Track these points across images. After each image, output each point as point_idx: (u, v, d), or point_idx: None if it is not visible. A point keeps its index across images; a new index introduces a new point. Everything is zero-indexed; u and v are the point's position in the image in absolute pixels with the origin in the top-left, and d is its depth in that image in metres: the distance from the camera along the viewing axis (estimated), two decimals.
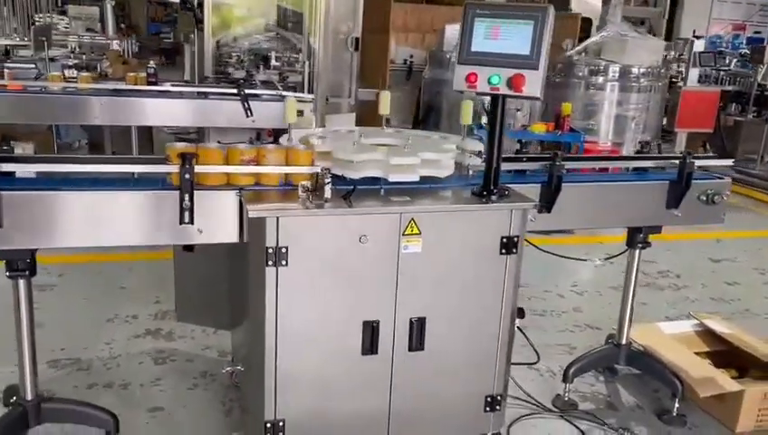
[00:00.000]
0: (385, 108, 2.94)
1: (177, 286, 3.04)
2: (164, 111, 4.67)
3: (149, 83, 4.83)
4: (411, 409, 2.42)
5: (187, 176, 2.13)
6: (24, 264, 2.18)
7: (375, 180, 2.32)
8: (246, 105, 4.66)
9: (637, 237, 2.89)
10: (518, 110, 5.87)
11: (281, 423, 2.28)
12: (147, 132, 6.88)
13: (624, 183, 2.76)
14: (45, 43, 6.47)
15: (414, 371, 2.38)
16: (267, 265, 2.12)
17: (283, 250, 2.12)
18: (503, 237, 2.33)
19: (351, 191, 2.23)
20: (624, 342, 3.05)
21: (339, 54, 6.42)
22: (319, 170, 2.21)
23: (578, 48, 7.20)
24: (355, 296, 2.25)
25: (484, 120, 5.93)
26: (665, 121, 8.19)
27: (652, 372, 3.01)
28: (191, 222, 2.22)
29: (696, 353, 3.15)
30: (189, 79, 6.74)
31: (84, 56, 7.36)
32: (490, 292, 2.39)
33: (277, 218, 2.10)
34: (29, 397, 2.34)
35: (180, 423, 2.76)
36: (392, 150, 2.47)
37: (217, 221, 2.24)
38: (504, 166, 2.60)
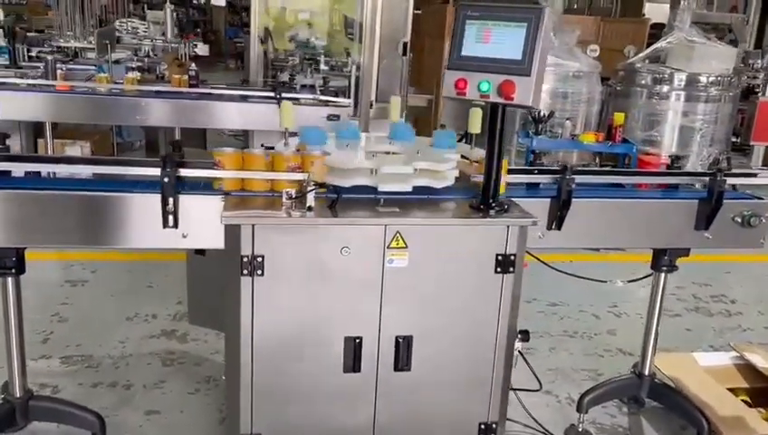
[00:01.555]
0: (395, 114, 2.84)
1: (189, 289, 3.02)
2: (204, 112, 4.73)
3: (191, 86, 4.90)
4: (398, 429, 2.30)
5: (166, 179, 2.09)
6: (10, 262, 2.19)
7: (371, 190, 2.22)
8: None
9: (662, 260, 2.66)
10: (567, 119, 5.61)
11: None
12: (201, 133, 7.02)
13: (644, 200, 2.54)
14: (108, 46, 6.70)
15: (400, 392, 2.25)
16: (242, 274, 2.05)
17: (259, 259, 2.04)
18: (498, 255, 2.18)
19: (336, 200, 2.13)
20: (647, 372, 2.81)
21: (390, 60, 6.36)
22: (304, 177, 2.14)
23: (641, 55, 6.84)
24: (336, 310, 2.15)
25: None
26: (738, 134, 7.69)
27: (675, 407, 2.76)
28: (175, 226, 2.19)
29: (732, 389, 2.87)
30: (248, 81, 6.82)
31: (147, 59, 7.59)
32: (484, 312, 2.23)
33: (252, 226, 2.02)
34: (17, 394, 2.36)
35: (172, 428, 2.73)
36: (386, 159, 2.35)
37: (201, 226, 2.19)
38: (512, 179, 2.46)
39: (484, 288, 2.20)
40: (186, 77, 4.91)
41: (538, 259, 2.60)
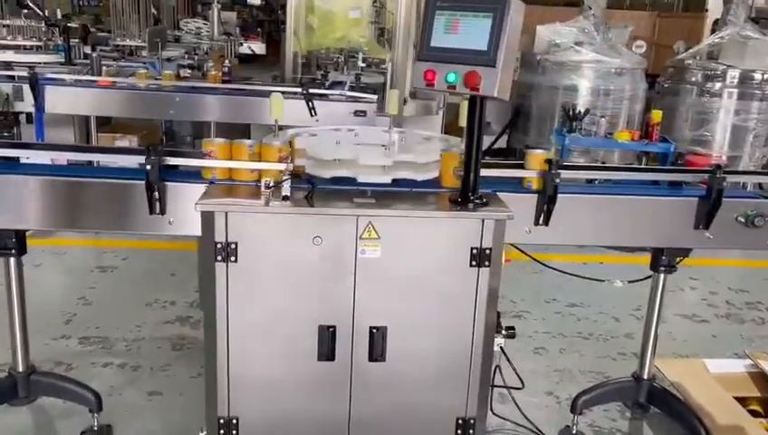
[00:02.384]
0: (393, 107, 2.84)
1: (200, 275, 3.12)
2: (233, 107, 4.86)
3: (224, 81, 5.05)
4: (373, 419, 2.31)
5: (149, 166, 2.17)
6: (10, 243, 2.33)
7: (351, 181, 2.25)
8: (311, 105, 4.72)
9: (660, 260, 2.56)
10: (602, 116, 5.45)
11: (234, 421, 2.26)
12: (245, 127, 7.21)
13: (639, 197, 2.45)
14: (159, 45, 6.96)
15: (375, 382, 2.26)
16: (216, 260, 2.11)
17: (233, 246, 2.09)
18: (473, 248, 2.16)
19: (312, 190, 2.17)
20: (646, 376, 2.71)
21: None
22: (282, 168, 2.18)
23: (691, 51, 6.56)
24: (310, 299, 2.18)
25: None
26: None
27: (673, 413, 2.66)
28: (161, 212, 2.27)
29: (742, 398, 2.74)
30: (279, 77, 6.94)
31: (197, 57, 7.84)
32: (460, 306, 2.21)
33: (226, 213, 2.08)
34: (20, 368, 2.50)
35: (169, 409, 2.83)
36: (366, 151, 2.37)
37: (186, 213, 2.27)
38: (496, 173, 2.43)
39: (460, 282, 2.18)
40: (219, 73, 5.07)
41: (532, 258, 2.56)
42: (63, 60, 6.13)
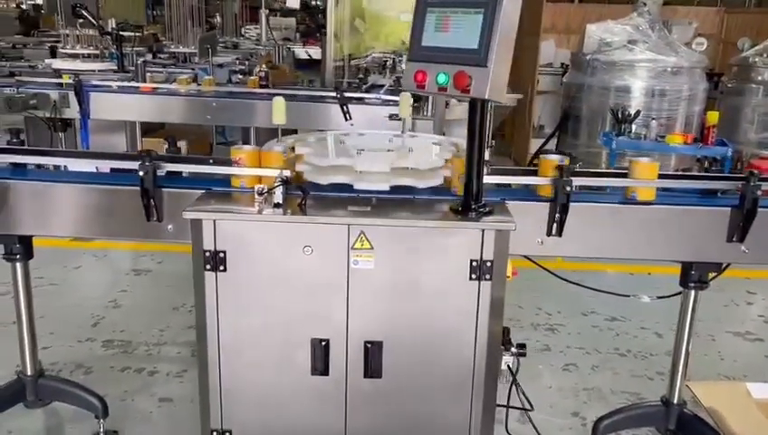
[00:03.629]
0: (405, 111, 2.73)
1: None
2: (266, 111, 4.85)
3: (261, 87, 5.06)
4: None
5: (141, 173, 2.14)
6: (15, 248, 2.35)
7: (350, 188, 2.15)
8: (345, 109, 4.66)
9: (689, 275, 2.35)
10: (653, 118, 5.15)
11: (227, 434, 2.20)
12: (292, 131, 7.23)
13: (663, 207, 2.25)
14: (209, 51, 7.07)
15: (372, 400, 2.15)
16: (205, 268, 2.05)
17: (221, 255, 2.04)
18: (472, 261, 2.02)
19: (305, 197, 2.08)
20: (675, 401, 2.49)
21: None
22: (275, 174, 2.11)
23: (757, 48, 6.15)
24: (301, 311, 2.09)
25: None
26: None
27: None
28: (158, 219, 2.25)
29: None
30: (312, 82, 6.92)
31: (247, 62, 7.94)
32: (460, 322, 2.08)
33: (214, 221, 2.02)
34: (28, 372, 2.53)
35: (178, 417, 2.80)
36: (365, 157, 2.26)
37: (186, 220, 2.22)
38: (504, 180, 2.29)
39: (459, 296, 2.05)
40: (257, 79, 5.09)
41: (545, 269, 2.40)
42: (116, 67, 6.31)
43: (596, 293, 2.81)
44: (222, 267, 2.04)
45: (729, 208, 2.21)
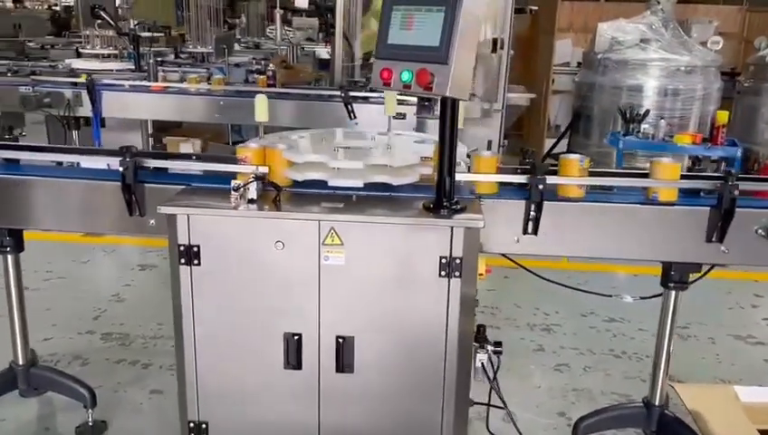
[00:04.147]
0: (391, 108, 2.75)
1: None
2: (275, 110, 4.90)
3: (269, 86, 5.12)
4: (344, 431, 2.22)
5: (122, 168, 2.20)
6: (6, 241, 2.42)
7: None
8: (349, 108, 4.70)
9: (669, 275, 2.32)
10: (662, 118, 5.08)
11: (204, 426, 2.24)
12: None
13: (641, 206, 2.22)
14: (225, 51, 7.18)
15: (345, 394, 2.17)
16: (180, 262, 2.10)
17: (195, 249, 2.08)
18: (441, 258, 2.03)
19: (278, 193, 2.12)
20: (657, 402, 2.46)
21: (482, 58, 6.17)
22: (248, 171, 2.15)
23: None
24: (275, 305, 2.12)
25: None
26: None
27: None
28: (140, 214, 2.30)
29: None
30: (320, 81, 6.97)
31: (264, 62, 8.02)
32: (430, 319, 2.09)
33: (188, 216, 2.06)
34: (20, 362, 2.60)
35: (167, 408, 2.86)
36: (341, 154, 2.29)
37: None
38: (478, 178, 2.29)
39: (429, 293, 2.06)
40: (265, 78, 5.15)
41: (523, 267, 2.40)
42: (133, 67, 6.44)
43: (615, 296, 2.80)
44: (196, 261, 2.08)
45: (708, 208, 2.18)
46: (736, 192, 2.09)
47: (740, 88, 6.15)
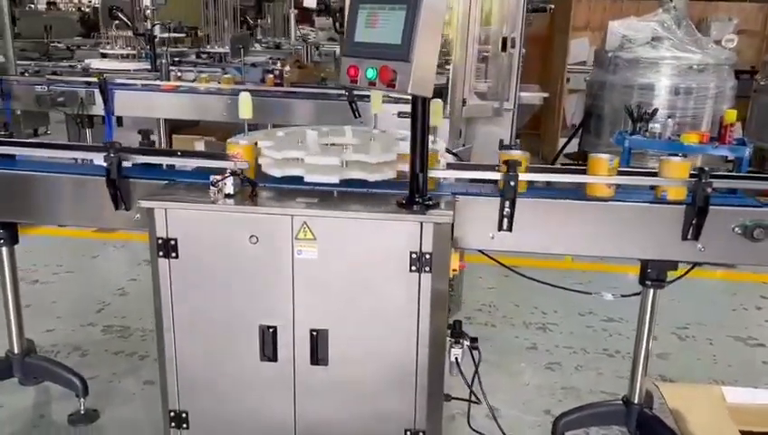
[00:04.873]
0: (376, 107, 2.78)
1: None
2: (282, 109, 4.98)
3: (275, 85, 5.19)
4: (320, 424, 2.26)
5: (106, 163, 2.26)
6: (1, 234, 2.51)
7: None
8: (354, 106, 4.74)
9: (645, 273, 2.32)
10: (669, 117, 5.02)
11: (184, 415, 2.30)
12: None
13: (614, 203, 2.22)
14: (241, 50, 7.28)
15: (320, 387, 2.21)
16: (159, 255, 2.16)
17: (173, 242, 2.13)
18: (412, 253, 2.06)
19: (254, 188, 2.17)
20: (636, 400, 2.45)
21: (498, 56, 6.17)
22: (226, 166, 2.21)
23: None
24: (250, 299, 2.17)
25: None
26: None
27: None
28: (126, 208, 2.37)
29: (753, 433, 2.41)
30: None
31: (279, 61, 8.11)
32: (402, 313, 2.11)
33: (165, 210, 2.12)
34: (15, 351, 2.69)
35: (156, 399, 2.91)
36: (318, 151, 2.32)
37: None
38: (455, 175, 2.32)
39: (400, 287, 2.09)
40: (273, 78, 5.23)
41: (497, 261, 2.41)
42: (149, 67, 6.56)
43: (595, 293, 2.80)
44: (174, 254, 2.14)
45: (684, 206, 2.17)
46: (709, 190, 2.07)
47: (756, 86, 6.04)
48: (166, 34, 7.86)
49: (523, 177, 2.21)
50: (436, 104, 2.41)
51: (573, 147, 6.83)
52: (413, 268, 2.07)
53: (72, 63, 7.31)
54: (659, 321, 3.71)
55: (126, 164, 2.31)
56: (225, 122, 7.63)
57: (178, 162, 2.33)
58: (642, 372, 2.45)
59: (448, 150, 2.75)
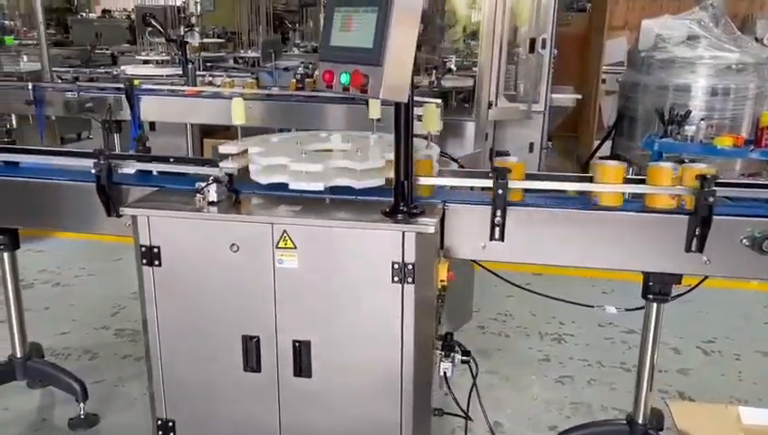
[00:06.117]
0: (374, 111, 2.72)
1: None
2: (301, 113, 4.97)
3: (297, 89, 5.19)
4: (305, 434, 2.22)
5: (94, 170, 2.27)
6: (2, 239, 2.55)
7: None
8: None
9: (648, 287, 2.19)
10: (702, 119, 4.79)
11: (171, 423, 2.29)
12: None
13: (613, 213, 2.10)
14: (272, 55, 7.33)
15: (303, 399, 2.17)
16: (142, 263, 2.15)
17: (156, 250, 2.12)
18: (394, 263, 1.99)
19: (237, 196, 2.14)
20: (640, 420, 2.32)
21: (527, 58, 6.04)
22: (210, 172, 2.19)
23: None
24: (232, 308, 2.13)
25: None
26: None
27: None
28: (117, 215, 2.37)
29: None
30: None
31: (311, 65, 8.14)
32: (384, 326, 2.04)
33: (148, 217, 2.11)
34: (18, 355, 2.73)
35: None
36: (303, 158, 2.27)
37: None
38: (443, 182, 2.24)
39: (383, 299, 2.02)
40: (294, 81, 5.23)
41: (486, 269, 2.32)
42: (180, 72, 6.66)
43: (598, 306, 2.68)
44: (157, 262, 2.12)
45: (687, 217, 2.03)
46: (711, 199, 1.94)
47: None
48: (198, 40, 7.99)
49: (515, 185, 2.12)
50: (431, 109, 2.35)
51: (608, 149, 6.63)
52: (395, 279, 1.99)
53: (109, 70, 7.47)
54: (683, 334, 3.59)
55: (127, 170, 2.34)
56: (256, 127, 7.76)
57: (167, 168, 2.31)
58: (647, 389, 2.31)
59: (447, 156, 2.67)
